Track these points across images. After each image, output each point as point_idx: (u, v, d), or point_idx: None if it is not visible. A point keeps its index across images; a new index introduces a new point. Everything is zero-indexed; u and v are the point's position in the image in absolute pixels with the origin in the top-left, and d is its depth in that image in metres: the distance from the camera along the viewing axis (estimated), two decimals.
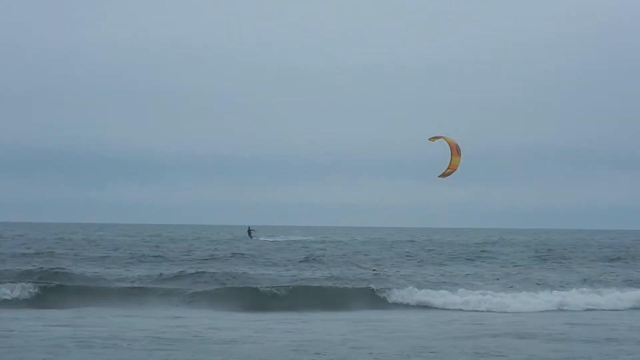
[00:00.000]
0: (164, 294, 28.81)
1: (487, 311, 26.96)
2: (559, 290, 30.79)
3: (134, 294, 28.88)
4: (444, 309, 27.65)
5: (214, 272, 34.07)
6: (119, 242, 65.01)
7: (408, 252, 56.38)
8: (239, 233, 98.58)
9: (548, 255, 53.42)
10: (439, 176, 26.48)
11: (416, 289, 29.34)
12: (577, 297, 29.22)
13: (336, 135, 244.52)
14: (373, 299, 28.85)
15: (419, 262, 45.89)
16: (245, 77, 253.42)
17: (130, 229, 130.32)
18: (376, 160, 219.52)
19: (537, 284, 33.44)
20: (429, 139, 26.87)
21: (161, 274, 33.55)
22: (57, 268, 33.74)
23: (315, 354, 16.43)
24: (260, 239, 78.36)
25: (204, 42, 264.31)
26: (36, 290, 28.17)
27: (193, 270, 34.66)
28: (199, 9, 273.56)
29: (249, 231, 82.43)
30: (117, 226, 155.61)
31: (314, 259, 45.02)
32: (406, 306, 28.11)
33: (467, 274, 37.18)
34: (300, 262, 43.28)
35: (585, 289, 31.02)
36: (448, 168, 26.13)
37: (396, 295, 28.85)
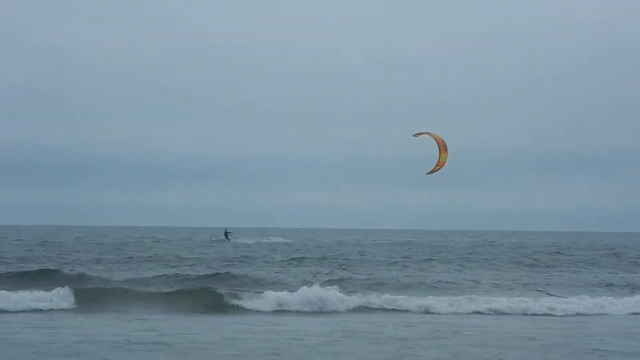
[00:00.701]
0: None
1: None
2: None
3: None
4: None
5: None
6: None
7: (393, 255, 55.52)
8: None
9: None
10: (427, 173, 25.54)
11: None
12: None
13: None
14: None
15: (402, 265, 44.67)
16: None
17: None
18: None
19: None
20: (414, 135, 25.93)
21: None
22: None
23: None
24: (238, 241, 77.20)
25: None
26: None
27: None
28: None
29: (226, 233, 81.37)
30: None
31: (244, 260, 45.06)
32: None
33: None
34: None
35: None
36: (436, 165, 25.21)
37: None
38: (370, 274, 35.95)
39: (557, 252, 61.32)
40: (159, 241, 77.05)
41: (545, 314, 25.60)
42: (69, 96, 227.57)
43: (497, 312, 25.88)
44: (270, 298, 26.33)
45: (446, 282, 33.11)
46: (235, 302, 26.31)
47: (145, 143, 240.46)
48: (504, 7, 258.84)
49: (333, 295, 26.39)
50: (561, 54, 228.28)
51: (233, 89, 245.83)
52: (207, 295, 27.23)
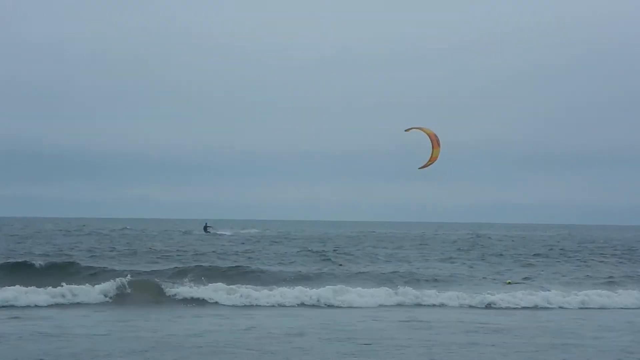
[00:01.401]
0: None
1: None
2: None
3: None
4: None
5: None
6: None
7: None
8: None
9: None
10: (419, 168, 25.64)
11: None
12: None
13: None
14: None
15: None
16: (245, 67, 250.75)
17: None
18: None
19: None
20: (405, 130, 25.99)
21: None
22: None
23: None
24: (218, 232, 77.38)
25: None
26: None
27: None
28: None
29: (206, 227, 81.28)
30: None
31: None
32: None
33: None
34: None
35: None
36: (429, 160, 25.30)
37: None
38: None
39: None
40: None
41: None
42: (67, 91, 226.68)
43: None
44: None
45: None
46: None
47: (137, 137, 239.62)
48: (494, 5, 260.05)
49: None
50: (550, 51, 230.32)
51: (226, 85, 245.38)
52: None
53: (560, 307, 24.97)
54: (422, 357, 14.82)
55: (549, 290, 26.88)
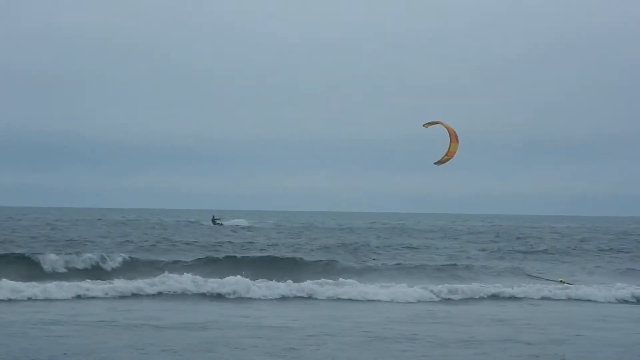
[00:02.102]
0: None
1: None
2: None
3: None
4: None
5: None
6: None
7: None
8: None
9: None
10: (434, 163, 25.55)
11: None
12: None
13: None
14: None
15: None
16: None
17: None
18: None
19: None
20: (424, 125, 25.93)
21: None
22: None
23: None
24: (225, 224, 77.60)
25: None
26: None
27: None
28: None
29: (214, 219, 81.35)
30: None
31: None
32: None
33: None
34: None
35: None
36: (446, 155, 25.20)
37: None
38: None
39: None
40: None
41: None
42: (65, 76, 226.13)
43: None
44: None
45: None
46: None
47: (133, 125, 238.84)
48: None
49: None
50: (536, 37, 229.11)
51: (231, 71, 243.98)
52: None
53: None
54: None
55: None
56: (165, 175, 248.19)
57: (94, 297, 23.71)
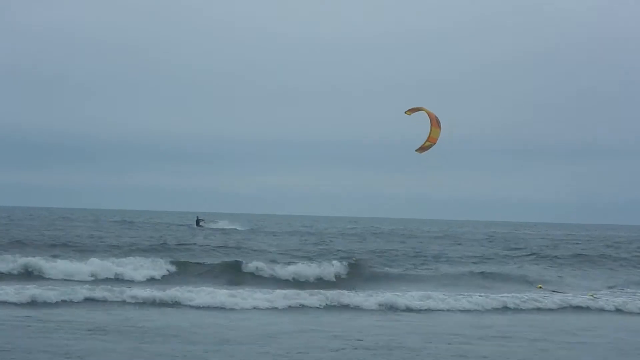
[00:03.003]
0: None
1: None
2: None
3: None
4: None
5: None
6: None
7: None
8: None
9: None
10: (416, 150, 24.27)
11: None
12: None
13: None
14: None
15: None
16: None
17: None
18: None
19: None
20: (406, 112, 24.70)
21: None
22: None
23: None
24: (212, 226, 76.34)
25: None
26: None
27: None
28: None
29: (198, 221, 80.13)
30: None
31: None
32: None
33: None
34: None
35: None
36: (427, 140, 23.85)
37: None
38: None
39: None
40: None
41: None
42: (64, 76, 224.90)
43: None
44: None
45: None
46: None
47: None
48: None
49: None
50: (536, 41, 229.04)
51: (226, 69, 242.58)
52: None
53: None
54: None
55: None
56: (167, 176, 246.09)
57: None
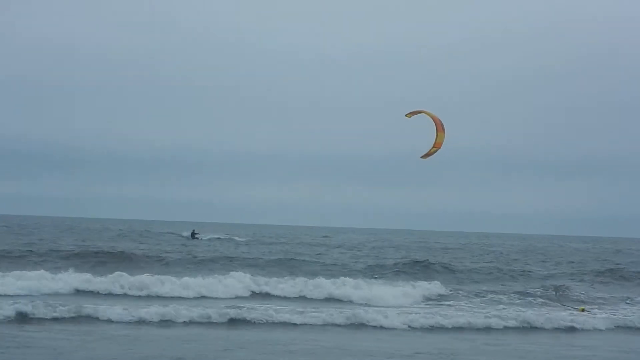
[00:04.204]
0: None
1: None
2: None
3: None
4: None
5: None
6: None
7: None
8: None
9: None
10: (421, 157, 22.90)
11: None
12: None
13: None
14: None
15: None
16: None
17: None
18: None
19: None
20: (407, 115, 23.27)
21: None
22: None
23: None
24: (204, 238, 74.62)
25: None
26: None
27: None
28: None
29: (193, 233, 78.33)
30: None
31: None
32: None
33: None
34: None
35: None
36: (433, 147, 22.55)
37: None
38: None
39: None
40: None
41: None
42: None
43: None
44: None
45: None
46: None
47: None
48: (480, 8, 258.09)
49: None
50: (529, 57, 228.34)
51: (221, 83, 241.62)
52: None
53: None
54: None
55: None
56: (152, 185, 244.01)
57: None
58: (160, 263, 35.46)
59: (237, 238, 77.28)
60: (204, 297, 26.90)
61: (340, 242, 76.12)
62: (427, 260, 41.90)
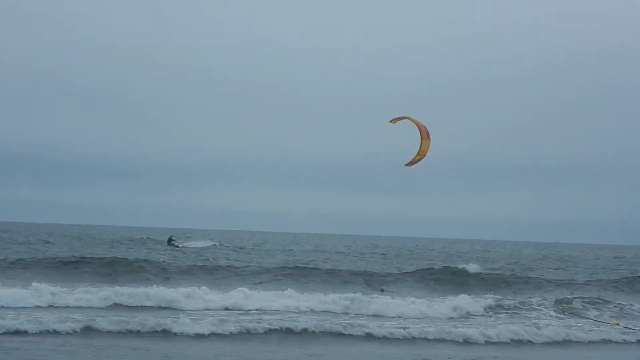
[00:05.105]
0: None
1: None
2: None
3: None
4: None
5: None
6: None
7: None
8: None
9: None
10: (406, 165, 22.23)
11: None
12: None
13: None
14: None
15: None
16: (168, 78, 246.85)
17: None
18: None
19: None
20: (391, 121, 22.63)
21: None
22: None
23: None
24: (181, 245, 73.41)
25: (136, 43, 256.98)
26: None
27: None
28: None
29: (170, 240, 77.15)
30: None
31: None
32: None
33: None
34: None
35: None
36: (417, 154, 21.90)
37: None
38: None
39: None
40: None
41: None
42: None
43: None
44: None
45: None
46: None
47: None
48: (452, 8, 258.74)
49: None
50: (500, 61, 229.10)
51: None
52: None
53: None
54: None
55: None
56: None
57: None
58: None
59: (225, 244, 76.30)
60: None
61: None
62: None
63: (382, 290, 30.42)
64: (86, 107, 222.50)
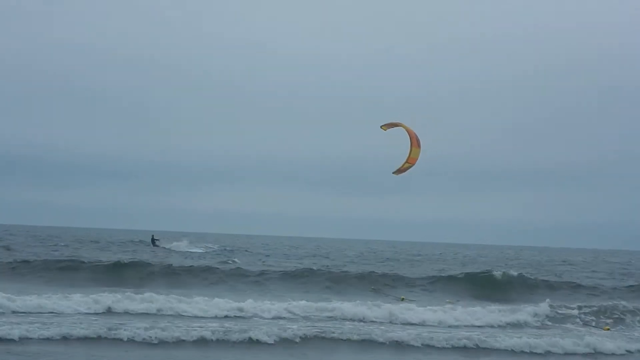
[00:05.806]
0: None
1: None
2: None
3: None
4: None
5: None
6: None
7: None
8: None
9: None
10: (393, 172, 21.46)
11: None
12: None
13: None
14: None
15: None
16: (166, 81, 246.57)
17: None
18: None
19: None
20: (382, 127, 21.87)
21: None
22: None
23: None
24: (166, 247, 72.42)
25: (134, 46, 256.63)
26: None
27: None
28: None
29: (153, 240, 76.35)
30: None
31: None
32: None
33: None
34: None
35: None
36: (406, 162, 21.11)
37: None
38: None
39: None
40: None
41: None
42: None
43: None
44: None
45: None
46: None
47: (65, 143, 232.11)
48: (452, 9, 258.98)
49: None
50: (496, 65, 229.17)
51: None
52: None
53: None
54: None
55: None
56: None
57: None
58: None
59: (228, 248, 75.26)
60: None
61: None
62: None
63: (402, 299, 29.08)
64: (86, 108, 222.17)
